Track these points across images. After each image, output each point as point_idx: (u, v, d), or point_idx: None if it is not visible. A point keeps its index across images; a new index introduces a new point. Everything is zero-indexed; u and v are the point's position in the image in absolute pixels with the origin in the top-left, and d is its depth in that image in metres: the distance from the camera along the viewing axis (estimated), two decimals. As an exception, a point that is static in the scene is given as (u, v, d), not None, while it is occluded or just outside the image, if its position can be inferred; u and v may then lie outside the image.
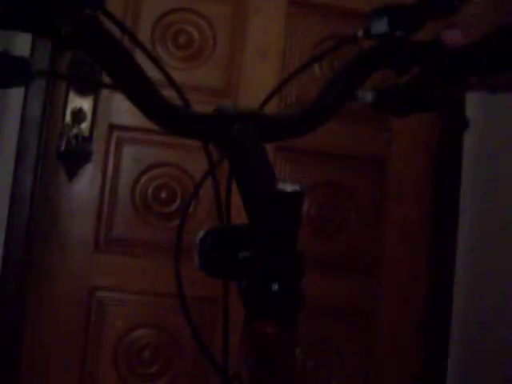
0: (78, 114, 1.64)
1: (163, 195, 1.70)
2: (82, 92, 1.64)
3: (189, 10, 1.75)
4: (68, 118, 1.64)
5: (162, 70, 0.61)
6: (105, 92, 1.67)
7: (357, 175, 1.82)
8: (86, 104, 1.66)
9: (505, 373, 1.62)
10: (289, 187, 0.50)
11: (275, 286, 0.49)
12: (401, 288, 1.80)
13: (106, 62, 0.54)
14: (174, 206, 1.70)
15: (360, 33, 0.67)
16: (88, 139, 1.65)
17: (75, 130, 1.63)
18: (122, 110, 1.68)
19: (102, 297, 1.65)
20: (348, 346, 1.76)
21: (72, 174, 1.65)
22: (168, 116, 0.57)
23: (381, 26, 0.66)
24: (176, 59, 1.72)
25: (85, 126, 1.65)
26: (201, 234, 0.51)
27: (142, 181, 1.69)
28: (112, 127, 1.68)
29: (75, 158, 1.65)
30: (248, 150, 0.55)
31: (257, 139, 0.57)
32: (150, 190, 1.69)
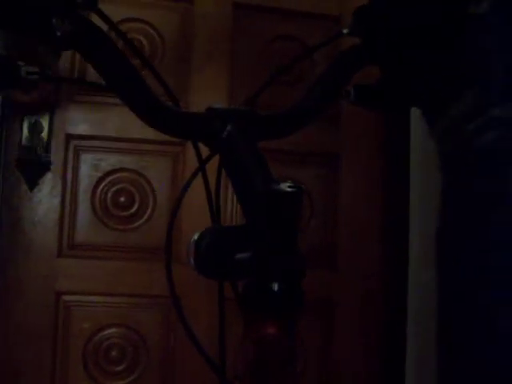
0: (36, 126, 1.70)
1: (122, 199, 1.76)
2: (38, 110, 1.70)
3: (138, 20, 1.81)
4: (25, 129, 1.70)
5: (151, 69, 0.62)
6: (60, 103, 1.72)
7: (311, 172, 1.88)
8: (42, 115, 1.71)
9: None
10: (287, 187, 0.50)
11: (275, 286, 0.49)
12: (355, 279, 1.87)
13: (100, 62, 0.55)
14: (133, 210, 1.76)
15: (345, 30, 0.68)
16: (46, 150, 1.71)
17: (33, 141, 1.69)
18: (77, 120, 1.74)
19: (68, 300, 1.70)
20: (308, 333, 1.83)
21: (32, 183, 1.71)
22: (160, 116, 0.57)
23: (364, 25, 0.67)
24: (127, 67, 1.77)
25: (42, 137, 1.70)
26: (196, 234, 0.51)
27: (101, 186, 1.75)
28: (69, 137, 1.73)
29: (34, 168, 1.71)
30: (244, 151, 0.56)
31: (250, 139, 0.57)
32: (109, 195, 1.75)
